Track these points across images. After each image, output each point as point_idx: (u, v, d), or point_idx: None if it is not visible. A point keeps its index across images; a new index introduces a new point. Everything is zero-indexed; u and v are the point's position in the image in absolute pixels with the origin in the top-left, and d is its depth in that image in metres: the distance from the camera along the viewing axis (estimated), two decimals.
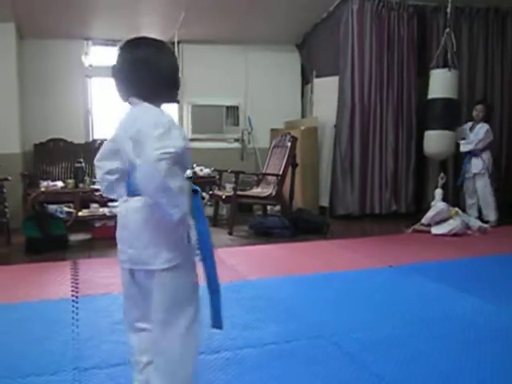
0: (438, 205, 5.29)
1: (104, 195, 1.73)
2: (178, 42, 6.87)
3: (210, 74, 7.03)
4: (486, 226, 5.35)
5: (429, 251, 4.51)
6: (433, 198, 5.66)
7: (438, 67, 5.79)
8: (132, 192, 1.57)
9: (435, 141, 5.73)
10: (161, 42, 1.64)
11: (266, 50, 7.23)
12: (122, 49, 1.62)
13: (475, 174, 5.80)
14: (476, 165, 5.78)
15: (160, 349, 1.59)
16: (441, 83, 5.68)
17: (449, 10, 5.73)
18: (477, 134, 5.75)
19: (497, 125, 6.71)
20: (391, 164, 6.35)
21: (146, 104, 1.57)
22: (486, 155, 5.80)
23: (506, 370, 2.15)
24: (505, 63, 6.92)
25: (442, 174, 5.82)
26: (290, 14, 6.43)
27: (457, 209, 5.36)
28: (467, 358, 2.26)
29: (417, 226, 5.33)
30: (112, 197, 1.69)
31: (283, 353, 2.34)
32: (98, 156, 1.67)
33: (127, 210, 1.61)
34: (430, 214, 5.27)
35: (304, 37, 7.23)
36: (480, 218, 5.73)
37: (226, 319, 2.75)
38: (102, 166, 1.65)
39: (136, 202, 1.57)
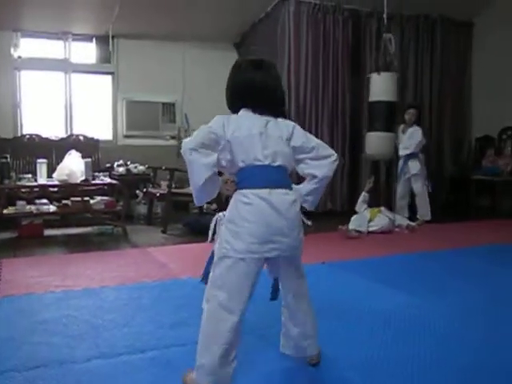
0: (355, 217, 5.38)
1: None
2: (113, 37, 6.72)
3: (146, 69, 6.91)
4: (413, 224, 5.56)
5: (360, 248, 4.64)
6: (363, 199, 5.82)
7: (378, 71, 5.94)
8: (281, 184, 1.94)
9: (376, 142, 5.86)
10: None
11: (204, 48, 7.19)
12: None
13: (413, 175, 5.97)
14: (414, 166, 5.96)
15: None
16: (381, 86, 5.83)
17: (385, 15, 5.90)
18: (411, 137, 5.94)
19: (426, 126, 7.00)
20: None
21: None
22: (422, 157, 6.04)
23: (429, 361, 2.23)
24: (434, 68, 7.22)
25: (371, 178, 5.99)
26: (227, 12, 6.43)
27: (381, 208, 5.53)
28: (391, 350, 2.34)
29: (344, 228, 5.29)
30: None
31: None
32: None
33: (283, 203, 1.90)
34: (353, 219, 5.35)
35: (242, 36, 7.25)
36: (410, 218, 5.93)
37: (154, 318, 2.75)
38: None
39: (290, 195, 1.94)
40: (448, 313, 2.85)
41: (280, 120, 2.04)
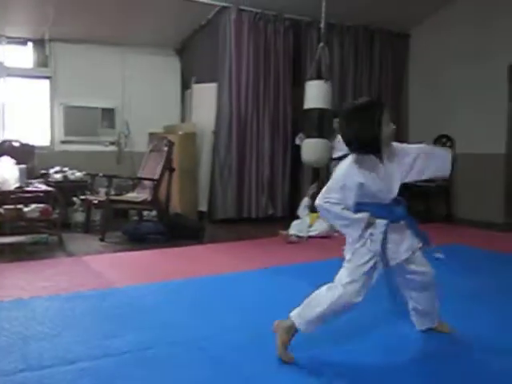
0: (296, 222, 5.44)
1: None
2: (50, 40, 6.54)
3: (84, 74, 6.75)
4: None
5: (300, 253, 4.69)
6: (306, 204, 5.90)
7: (313, 79, 6.05)
8: None
9: (312, 148, 5.96)
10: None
11: (145, 53, 7.11)
12: None
13: None
14: None
15: None
16: (316, 94, 5.93)
17: (322, 25, 6.03)
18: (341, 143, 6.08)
19: None
20: (268, 170, 6.54)
21: None
22: None
23: (369, 360, 2.29)
24: (372, 78, 7.45)
25: (313, 185, 6.10)
26: (168, 18, 6.39)
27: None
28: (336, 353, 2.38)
29: (285, 233, 5.31)
30: None
31: (145, 360, 2.28)
32: None
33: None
34: (294, 224, 5.40)
35: (183, 42, 7.22)
36: None
37: (86, 328, 2.68)
38: None
39: None
40: (388, 310, 2.92)
41: None
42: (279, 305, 3.08)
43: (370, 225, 2.27)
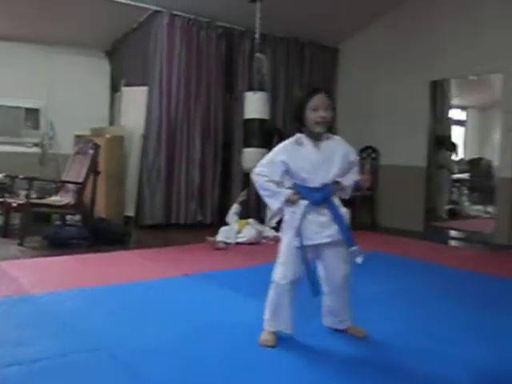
0: (224, 228, 5.46)
1: None
2: None
3: (6, 73, 6.47)
4: (279, 235, 5.73)
5: (226, 259, 4.70)
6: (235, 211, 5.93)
7: (252, 90, 6.12)
8: None
9: (253, 157, 6.03)
10: None
11: (73, 54, 6.92)
12: None
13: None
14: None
15: None
16: (256, 105, 6.01)
17: (257, 35, 6.12)
18: None
19: None
20: (198, 176, 6.52)
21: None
22: None
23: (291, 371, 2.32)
24: (303, 88, 7.59)
25: (243, 192, 6.15)
26: (97, 19, 6.26)
27: (249, 220, 5.68)
28: (252, 362, 2.39)
29: (212, 239, 5.27)
30: None
31: (56, 369, 2.21)
32: None
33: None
34: (222, 230, 5.41)
35: (113, 44, 7.09)
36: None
37: None
38: None
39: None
40: (301, 317, 2.96)
41: None
42: (198, 311, 3.10)
43: (290, 201, 2.48)
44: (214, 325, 2.84)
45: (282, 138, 6.26)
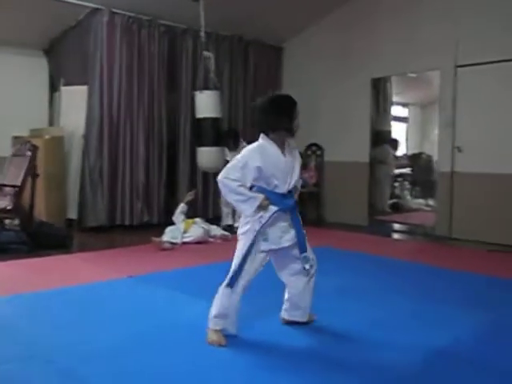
0: (169, 228, 5.40)
1: None
2: None
3: None
4: (227, 233, 5.74)
5: (172, 260, 4.65)
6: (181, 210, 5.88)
7: (200, 88, 6.07)
8: None
9: (207, 156, 6.04)
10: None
11: (9, 53, 6.62)
12: None
13: None
14: None
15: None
16: (207, 104, 5.97)
17: (202, 33, 6.08)
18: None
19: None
20: (143, 176, 6.41)
21: None
22: None
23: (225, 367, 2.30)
24: (247, 87, 7.63)
25: (191, 192, 6.11)
26: (34, 17, 6.03)
27: (196, 219, 5.65)
28: (190, 361, 2.38)
29: (158, 240, 5.20)
30: None
31: None
32: None
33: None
34: (167, 231, 5.34)
35: (52, 42, 6.86)
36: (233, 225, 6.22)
37: None
38: None
39: None
40: (247, 316, 2.95)
41: None
42: (141, 314, 3.05)
43: (262, 207, 2.51)
44: (158, 326, 2.82)
45: (237, 139, 6.34)
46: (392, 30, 6.72)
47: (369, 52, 6.98)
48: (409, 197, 8.28)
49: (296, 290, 2.75)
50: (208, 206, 7.06)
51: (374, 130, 7.31)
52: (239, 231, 2.64)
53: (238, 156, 2.61)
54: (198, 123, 6.10)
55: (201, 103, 5.99)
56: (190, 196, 6.02)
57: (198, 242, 5.37)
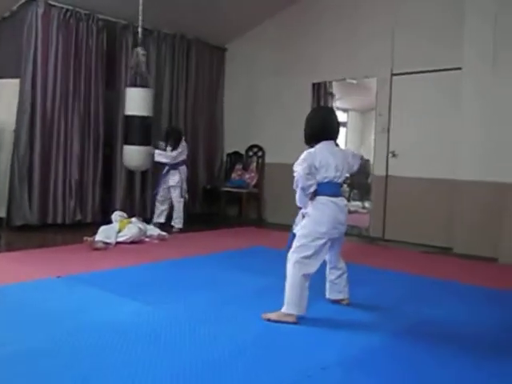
0: (103, 228, 5.22)
1: None
2: None
3: None
4: (164, 233, 5.68)
5: (104, 260, 4.54)
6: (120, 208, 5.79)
7: (133, 85, 5.98)
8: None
9: (135, 155, 5.95)
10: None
11: None
12: None
13: (172, 186, 6.28)
14: (173, 178, 6.28)
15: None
16: (137, 101, 5.88)
17: (140, 29, 5.99)
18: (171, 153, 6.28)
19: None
20: (77, 174, 6.25)
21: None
22: (183, 169, 6.32)
23: (153, 366, 2.28)
24: (189, 87, 7.59)
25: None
26: None
27: (132, 218, 5.56)
28: (108, 359, 2.34)
29: (90, 239, 5.06)
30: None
31: None
32: None
33: (344, 205, 3.14)
34: (101, 230, 5.20)
35: None
36: (169, 224, 6.26)
37: None
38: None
39: (344, 200, 3.19)
40: (178, 318, 2.99)
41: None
42: (65, 315, 2.97)
43: None
44: (83, 328, 2.75)
45: (179, 138, 6.31)
46: (333, 36, 6.87)
47: (310, 57, 7.11)
48: (346, 199, 8.51)
49: None
50: (146, 206, 6.97)
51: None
52: None
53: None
54: (126, 120, 6.01)
55: (130, 100, 5.91)
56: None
57: (133, 242, 5.27)
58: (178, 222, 6.33)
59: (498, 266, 4.97)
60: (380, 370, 2.36)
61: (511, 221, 5.09)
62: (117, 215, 5.59)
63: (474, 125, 5.52)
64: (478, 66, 5.49)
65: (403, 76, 6.25)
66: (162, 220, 6.31)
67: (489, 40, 5.40)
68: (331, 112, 3.38)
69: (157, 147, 6.23)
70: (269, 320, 2.96)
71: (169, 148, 6.30)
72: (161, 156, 6.22)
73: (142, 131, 5.91)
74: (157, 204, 6.40)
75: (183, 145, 6.38)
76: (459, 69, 5.65)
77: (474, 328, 3.04)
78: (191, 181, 7.55)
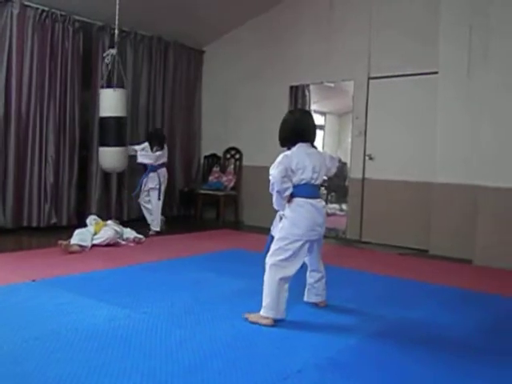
0: (78, 231, 5.16)
1: None
2: None
3: None
4: (140, 236, 5.64)
5: (79, 263, 4.48)
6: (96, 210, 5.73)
7: (107, 86, 5.93)
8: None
9: (110, 156, 5.90)
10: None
11: None
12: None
13: (150, 189, 6.27)
14: (151, 180, 6.26)
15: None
16: (111, 102, 5.83)
17: (116, 31, 5.94)
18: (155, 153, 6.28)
19: None
20: (52, 176, 6.17)
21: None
22: (162, 172, 6.30)
23: (128, 370, 2.26)
24: (166, 89, 7.56)
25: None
26: None
27: (108, 221, 5.51)
28: (81, 364, 2.31)
29: (65, 242, 4.95)
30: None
31: None
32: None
33: (322, 207, 3.17)
34: (76, 233, 5.13)
35: None
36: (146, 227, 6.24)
37: None
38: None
39: (322, 202, 3.21)
40: (154, 321, 2.97)
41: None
42: (38, 319, 2.92)
43: None
44: (55, 332, 2.72)
45: (163, 139, 6.28)
46: (311, 40, 6.92)
47: (288, 60, 7.14)
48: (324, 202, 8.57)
49: None
50: (123, 209, 6.91)
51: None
52: None
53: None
54: (100, 122, 5.97)
55: (104, 101, 5.86)
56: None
57: (109, 245, 5.21)
58: (155, 225, 6.31)
59: (473, 268, 5.05)
60: (356, 372, 2.37)
61: (485, 223, 5.17)
62: (91, 219, 5.53)
63: (450, 128, 5.62)
64: (454, 70, 5.59)
65: (380, 80, 6.33)
66: (158, 228, 6.27)
67: (464, 45, 5.50)
68: (307, 114, 3.33)
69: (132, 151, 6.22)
70: (247, 320, 2.98)
71: (151, 150, 6.27)
72: (144, 157, 6.20)
73: (117, 132, 5.87)
74: (144, 212, 6.38)
75: (165, 147, 6.38)
76: (436, 73, 5.74)
77: (451, 329, 3.08)
78: (168, 183, 7.52)
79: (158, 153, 6.23)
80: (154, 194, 6.28)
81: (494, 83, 5.14)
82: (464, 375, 2.40)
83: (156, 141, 6.31)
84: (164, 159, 6.35)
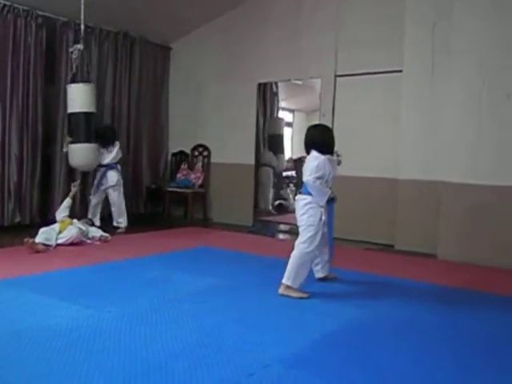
0: (43, 230, 5.07)
1: None
2: None
3: None
4: (106, 235, 5.56)
5: (44, 262, 4.41)
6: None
7: (74, 82, 5.83)
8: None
9: (80, 153, 5.79)
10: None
11: None
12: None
13: (111, 186, 6.20)
14: (112, 177, 6.19)
15: None
16: (79, 98, 5.74)
17: (82, 27, 5.85)
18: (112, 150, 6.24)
19: (124, 139, 7.18)
20: (15, 174, 6.03)
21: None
22: (119, 168, 6.29)
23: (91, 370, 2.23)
24: (132, 85, 7.47)
25: (75, 182, 5.90)
26: None
27: (74, 220, 5.42)
28: (42, 365, 2.28)
29: (30, 241, 4.84)
30: None
31: None
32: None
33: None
34: (41, 232, 5.03)
35: None
36: (112, 226, 6.19)
37: None
38: None
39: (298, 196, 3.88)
40: (118, 320, 2.95)
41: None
42: (1, 320, 2.86)
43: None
44: (22, 332, 2.68)
45: (114, 136, 6.22)
46: (278, 37, 6.93)
47: (256, 57, 7.14)
48: (293, 199, 8.60)
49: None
50: (88, 207, 6.80)
51: (261, 133, 7.50)
52: None
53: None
54: (69, 118, 5.87)
55: (72, 97, 5.76)
56: (74, 187, 5.78)
57: (73, 244, 5.13)
58: (122, 222, 6.27)
59: (438, 262, 5.15)
60: (321, 367, 2.40)
61: (447, 218, 5.29)
62: (61, 216, 5.43)
63: (413, 126, 5.72)
64: (417, 69, 5.69)
65: (346, 77, 6.39)
66: (96, 223, 6.15)
67: (427, 45, 5.60)
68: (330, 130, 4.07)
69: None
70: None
71: (103, 150, 6.18)
72: (101, 156, 6.13)
73: (87, 128, 5.78)
74: (92, 207, 6.31)
75: (118, 143, 6.33)
76: (400, 71, 5.83)
77: (418, 323, 3.14)
78: (134, 180, 7.46)
79: (114, 151, 6.21)
80: (116, 192, 6.23)
81: (456, 82, 5.25)
82: (431, 370, 2.43)
83: (106, 139, 6.20)
84: (120, 155, 6.36)
